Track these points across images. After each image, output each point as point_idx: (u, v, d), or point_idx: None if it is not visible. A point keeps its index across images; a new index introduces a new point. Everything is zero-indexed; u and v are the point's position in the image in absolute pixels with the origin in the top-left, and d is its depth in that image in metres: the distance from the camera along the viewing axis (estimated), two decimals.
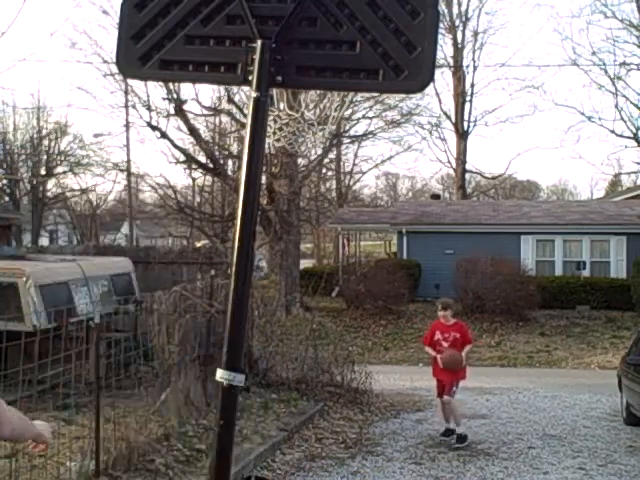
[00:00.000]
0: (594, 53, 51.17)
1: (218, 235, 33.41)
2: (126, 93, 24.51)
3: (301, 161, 24.31)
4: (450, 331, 9.40)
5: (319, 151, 23.39)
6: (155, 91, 24.63)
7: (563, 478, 8.00)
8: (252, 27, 2.62)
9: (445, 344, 9.36)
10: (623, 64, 35.50)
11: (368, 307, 22.64)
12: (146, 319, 9.75)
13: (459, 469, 8.25)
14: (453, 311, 9.75)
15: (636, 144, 37.57)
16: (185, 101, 22.63)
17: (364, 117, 28.15)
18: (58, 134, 38.63)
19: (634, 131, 37.22)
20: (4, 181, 37.68)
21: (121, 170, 34.82)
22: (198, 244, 30.74)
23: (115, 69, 13.96)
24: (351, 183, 44.53)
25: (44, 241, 40.30)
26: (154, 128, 23.09)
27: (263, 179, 19.69)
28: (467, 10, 40.40)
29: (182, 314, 9.31)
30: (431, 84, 2.68)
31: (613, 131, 37.70)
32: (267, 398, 10.28)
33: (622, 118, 37.12)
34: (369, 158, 45.80)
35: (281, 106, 4.18)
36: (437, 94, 39.99)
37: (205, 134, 28.00)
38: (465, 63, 41.33)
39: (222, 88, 24.17)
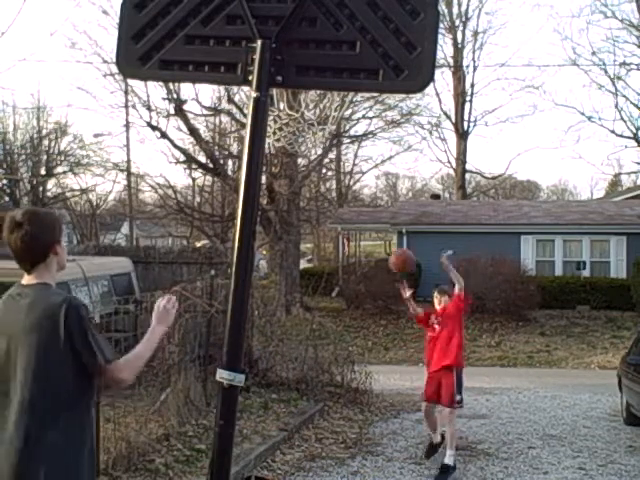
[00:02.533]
0: (594, 53, 51.11)
1: (218, 235, 33.39)
2: (126, 93, 24.48)
3: (301, 161, 24.29)
4: (443, 311, 8.46)
5: (319, 151, 23.37)
6: (155, 91, 24.64)
7: (563, 478, 8.00)
8: (252, 27, 2.62)
9: (437, 326, 8.43)
10: (623, 64, 35.49)
11: (368, 307, 22.63)
12: (146, 319, 9.74)
13: (459, 469, 8.24)
14: (451, 299, 8.61)
15: (636, 144, 37.55)
16: (185, 101, 22.62)
17: (364, 117, 28.09)
18: (58, 134, 38.59)
19: (634, 131, 37.21)
20: (4, 181, 37.67)
21: (121, 170, 34.76)
22: (198, 244, 30.73)
23: (115, 69, 13.96)
24: (351, 183, 44.51)
25: None
26: (154, 128, 23.07)
27: (263, 179, 19.67)
28: (467, 10, 40.40)
29: (182, 314, 9.31)
30: (431, 84, 2.68)
31: (613, 131, 37.69)
32: (267, 398, 10.28)
33: (622, 118, 37.13)
34: (369, 158, 45.88)
35: (281, 106, 4.18)
36: (437, 94, 39.99)
37: (205, 134, 27.98)
38: (465, 63, 41.33)
39: (222, 88, 24.14)
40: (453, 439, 8.26)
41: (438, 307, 8.74)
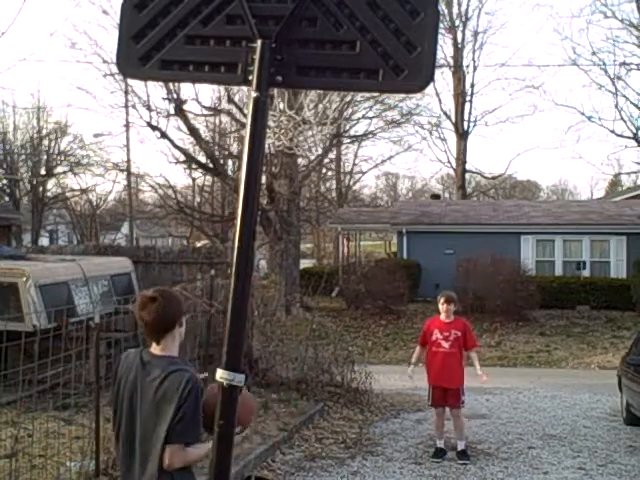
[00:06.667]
0: (594, 53, 50.99)
1: (218, 235, 33.41)
2: (126, 93, 24.47)
3: (301, 161, 24.29)
4: (450, 329, 8.64)
5: (319, 151, 23.38)
6: (155, 91, 24.63)
7: (563, 478, 8.00)
8: (252, 27, 2.62)
9: (446, 344, 8.61)
10: (623, 64, 35.49)
11: (368, 307, 22.63)
12: None
13: (459, 469, 8.25)
14: (456, 307, 8.92)
15: (636, 144, 37.56)
16: (185, 101, 22.61)
17: (364, 117, 28.07)
18: (58, 134, 38.62)
19: (634, 131, 37.22)
20: (4, 181, 37.68)
21: (121, 170, 34.80)
22: (198, 244, 30.74)
23: (115, 69, 13.95)
24: (351, 183, 44.57)
25: (44, 241, 40.28)
26: (154, 128, 23.06)
27: (263, 179, 19.67)
28: (467, 10, 40.39)
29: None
30: (431, 84, 2.68)
31: (613, 131, 37.70)
32: (267, 398, 10.27)
33: (622, 118, 37.13)
34: (369, 158, 45.76)
35: (281, 106, 4.19)
36: (437, 94, 39.95)
37: (205, 134, 27.99)
38: (465, 63, 41.30)
39: (222, 88, 24.15)
40: (463, 430, 8.78)
41: (443, 315, 8.76)
